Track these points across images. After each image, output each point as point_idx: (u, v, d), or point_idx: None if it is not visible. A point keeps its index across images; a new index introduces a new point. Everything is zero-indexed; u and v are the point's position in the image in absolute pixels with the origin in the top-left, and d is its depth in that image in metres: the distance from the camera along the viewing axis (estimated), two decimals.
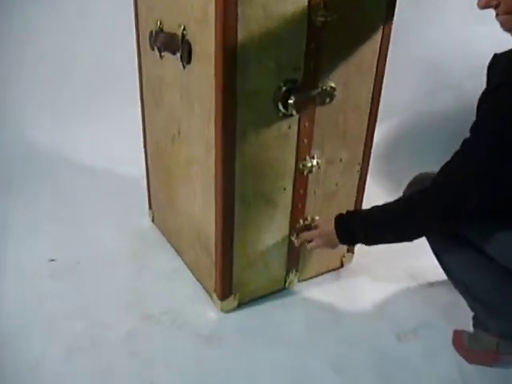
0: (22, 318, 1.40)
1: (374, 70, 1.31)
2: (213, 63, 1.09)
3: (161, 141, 1.56)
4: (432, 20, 2.28)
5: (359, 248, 1.62)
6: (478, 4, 1.00)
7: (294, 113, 1.18)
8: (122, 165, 2.15)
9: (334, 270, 1.62)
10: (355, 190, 1.49)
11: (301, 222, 1.41)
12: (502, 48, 1.00)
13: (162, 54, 1.35)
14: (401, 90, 2.11)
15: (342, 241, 1.24)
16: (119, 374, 1.24)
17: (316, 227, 1.35)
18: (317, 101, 1.22)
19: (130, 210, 1.91)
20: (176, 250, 1.69)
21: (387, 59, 1.31)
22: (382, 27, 1.26)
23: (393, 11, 1.25)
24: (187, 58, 1.21)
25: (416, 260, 1.64)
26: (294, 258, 1.49)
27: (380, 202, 1.17)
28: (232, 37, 1.04)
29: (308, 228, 1.39)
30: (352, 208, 1.49)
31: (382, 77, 1.33)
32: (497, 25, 0.99)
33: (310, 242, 1.35)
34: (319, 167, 1.34)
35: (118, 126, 2.27)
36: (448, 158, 1.05)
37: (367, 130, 1.39)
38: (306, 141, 1.28)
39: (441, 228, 1.15)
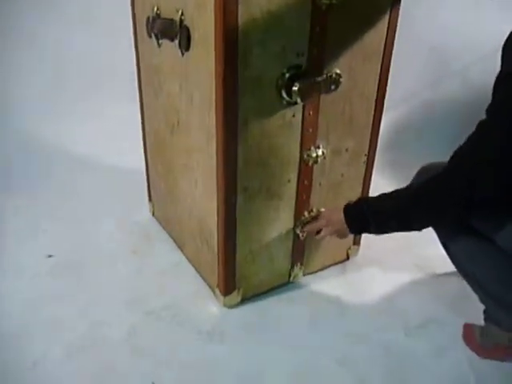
0: (22, 318, 1.38)
1: (381, 55, 1.28)
2: (213, 49, 1.05)
3: (160, 131, 1.54)
4: (437, 5, 2.23)
5: (365, 240, 1.61)
6: None
7: (299, 100, 1.14)
8: (122, 159, 2.14)
9: (339, 262, 1.60)
10: (361, 181, 1.46)
11: (306, 214, 1.38)
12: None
13: (160, 41, 1.32)
14: (405, 76, 2.07)
15: (353, 230, 1.22)
16: (120, 373, 1.22)
17: (322, 217, 1.32)
18: (322, 88, 1.18)
19: (130, 204, 1.90)
20: (177, 244, 1.67)
21: (394, 44, 1.27)
22: (389, 11, 1.22)
23: None
24: (186, 45, 1.17)
25: (423, 251, 1.64)
26: (299, 251, 1.46)
27: None
28: (232, 21, 1.00)
29: (314, 220, 1.36)
30: None
31: (389, 63, 1.30)
32: (504, 9, 0.94)
33: (318, 232, 1.32)
34: (324, 157, 1.31)
35: (117, 120, 2.26)
36: (456, 147, 1.00)
37: (374, 118, 1.36)
38: (310, 130, 1.25)
39: (453, 215, 1.10)
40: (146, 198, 1.84)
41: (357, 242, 1.60)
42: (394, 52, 1.29)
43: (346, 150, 1.36)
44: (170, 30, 1.21)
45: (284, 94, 1.14)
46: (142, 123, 1.69)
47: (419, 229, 1.11)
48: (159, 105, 1.48)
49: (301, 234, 1.40)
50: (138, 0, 1.42)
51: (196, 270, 1.56)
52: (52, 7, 2.27)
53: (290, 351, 1.29)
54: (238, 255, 1.34)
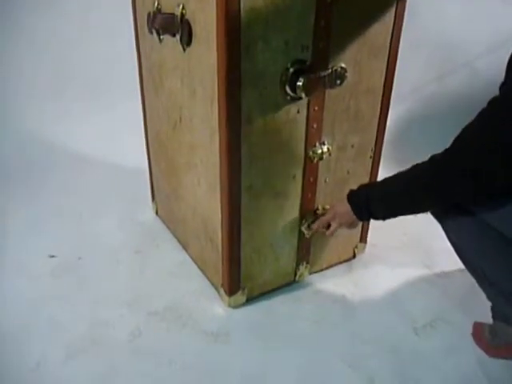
0: (24, 318, 1.37)
1: (387, 49, 1.26)
2: (215, 44, 1.03)
3: (162, 129, 1.52)
4: None
5: (371, 238, 1.59)
6: None
7: (303, 96, 1.12)
8: (124, 158, 2.14)
9: (346, 261, 1.58)
10: (367, 178, 1.44)
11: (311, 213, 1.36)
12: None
13: (161, 36, 1.30)
14: (411, 71, 2.05)
15: (360, 216, 1.18)
16: (122, 375, 1.21)
17: (329, 212, 1.30)
18: (327, 83, 1.15)
19: (133, 203, 1.90)
20: (180, 243, 1.66)
21: (401, 38, 1.25)
22: (395, 5, 1.20)
23: None
24: (187, 40, 1.15)
25: (430, 248, 1.63)
26: (305, 250, 1.44)
27: None
28: (235, 14, 0.98)
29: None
30: None
31: (396, 57, 1.28)
32: (509, 3, 0.91)
33: (328, 228, 1.30)
34: (330, 154, 1.29)
35: (118, 118, 2.26)
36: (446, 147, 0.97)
37: (380, 113, 1.34)
38: (315, 126, 1.23)
39: (462, 194, 1.03)
40: (149, 197, 1.83)
41: (363, 240, 1.58)
42: (399, 46, 1.26)
43: (352, 145, 1.34)
44: (171, 25, 1.19)
45: (288, 90, 1.12)
46: (144, 121, 1.67)
47: (428, 208, 1.09)
48: (161, 102, 1.46)
49: (306, 232, 1.38)
50: None
51: (200, 269, 1.54)
52: (51, 4, 2.27)
53: (296, 351, 1.27)
54: (242, 254, 1.32)
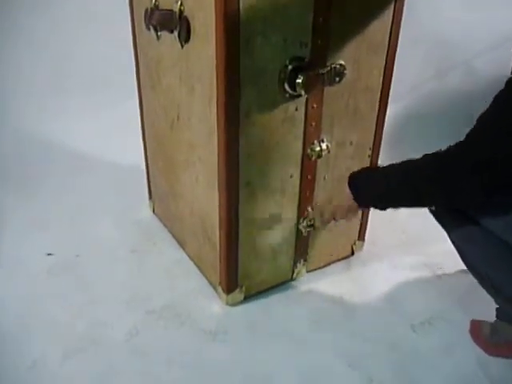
0: (20, 316, 1.36)
1: (386, 47, 1.26)
2: (213, 40, 1.03)
3: (160, 127, 1.51)
4: None
5: (370, 236, 1.59)
6: None
7: (302, 93, 1.12)
8: (121, 156, 2.12)
9: (344, 258, 1.58)
10: None
11: (309, 209, 1.35)
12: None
13: (159, 33, 1.29)
14: (410, 68, 2.05)
15: (360, 200, 1.12)
16: (121, 374, 1.20)
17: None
18: (326, 80, 1.15)
19: (130, 202, 1.89)
20: (178, 241, 1.65)
21: (399, 36, 1.25)
22: (393, 2, 1.20)
23: None
24: (185, 36, 1.14)
25: (429, 247, 1.63)
26: (302, 248, 1.44)
27: None
28: (233, 11, 0.98)
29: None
30: None
31: (394, 55, 1.28)
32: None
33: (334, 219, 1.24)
34: (328, 151, 1.28)
35: (116, 116, 2.25)
36: (461, 139, 0.94)
37: (378, 111, 1.34)
38: (314, 123, 1.22)
39: (471, 189, 0.97)
40: (146, 195, 1.83)
41: (361, 238, 1.58)
42: (398, 44, 1.26)
43: (351, 143, 1.34)
44: (169, 22, 1.18)
45: (287, 87, 1.12)
46: (141, 119, 1.66)
47: (428, 204, 1.07)
48: (158, 99, 1.45)
49: (304, 230, 1.37)
50: None
51: (198, 267, 1.53)
52: (49, 2, 2.26)
53: (294, 350, 1.27)
54: (240, 252, 1.31)
